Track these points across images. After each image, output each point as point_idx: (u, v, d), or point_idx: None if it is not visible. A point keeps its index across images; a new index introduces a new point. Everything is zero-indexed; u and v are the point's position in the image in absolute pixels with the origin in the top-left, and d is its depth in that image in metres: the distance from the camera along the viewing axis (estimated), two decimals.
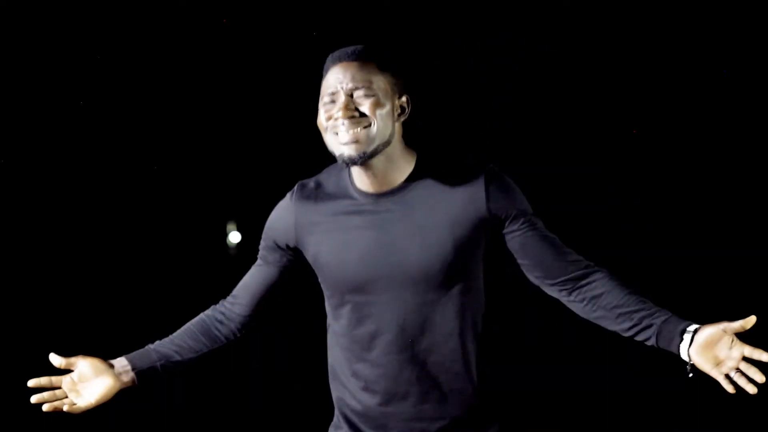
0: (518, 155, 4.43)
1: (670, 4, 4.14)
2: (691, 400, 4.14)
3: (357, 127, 2.36)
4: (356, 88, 2.39)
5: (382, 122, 2.39)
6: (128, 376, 2.50)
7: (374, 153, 2.38)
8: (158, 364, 2.53)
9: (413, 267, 2.43)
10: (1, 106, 4.16)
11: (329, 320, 2.57)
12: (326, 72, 2.43)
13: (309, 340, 3.01)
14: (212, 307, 2.63)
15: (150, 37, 4.22)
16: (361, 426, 2.54)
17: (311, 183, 2.55)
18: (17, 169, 4.20)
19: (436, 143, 2.58)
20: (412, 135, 2.53)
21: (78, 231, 4.26)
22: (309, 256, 2.52)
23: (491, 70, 4.23)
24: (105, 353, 3.82)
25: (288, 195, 2.56)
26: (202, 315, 2.63)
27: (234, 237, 4.53)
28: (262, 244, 2.61)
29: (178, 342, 2.57)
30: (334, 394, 2.59)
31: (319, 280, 2.55)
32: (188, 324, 2.61)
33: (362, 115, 2.37)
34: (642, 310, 2.38)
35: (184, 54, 4.28)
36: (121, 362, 2.51)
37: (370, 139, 2.37)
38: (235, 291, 2.64)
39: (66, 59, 4.19)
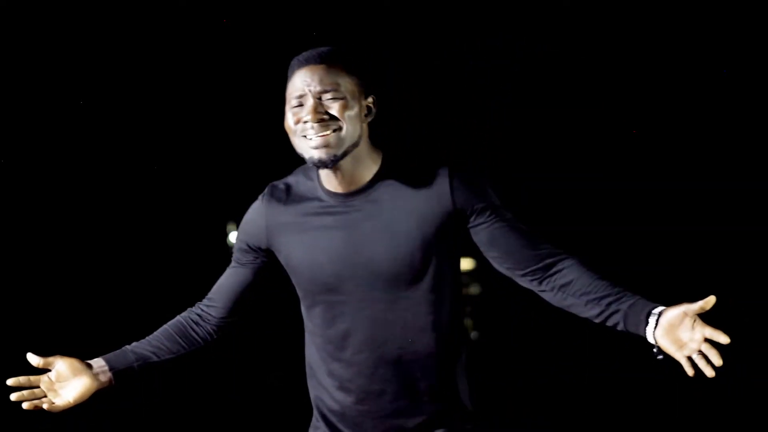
0: (518, 155, 4.43)
1: (670, 4, 4.14)
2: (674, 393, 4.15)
3: (326, 130, 2.38)
4: (324, 91, 2.40)
5: (351, 124, 2.40)
6: (105, 377, 2.51)
7: (344, 155, 2.40)
8: (135, 364, 2.53)
9: (382, 265, 2.44)
10: (1, 106, 4.16)
11: (305, 320, 2.58)
12: (292, 75, 2.44)
13: (288, 338, 3.02)
14: (188, 309, 2.65)
15: (150, 37, 4.22)
16: (339, 425, 2.55)
17: (281, 185, 2.56)
18: (17, 169, 4.19)
19: (401, 141, 2.59)
20: (406, 136, 2.52)
21: (78, 231, 4.26)
22: (281, 257, 2.54)
23: (491, 70, 4.23)
24: (105, 353, 3.84)
25: (260, 197, 2.58)
26: (178, 317, 2.64)
27: (234, 237, 4.53)
28: (236, 246, 2.63)
29: (155, 343, 2.57)
30: (312, 393, 2.60)
31: (293, 281, 2.56)
32: (165, 325, 2.62)
33: (331, 117, 2.38)
34: (610, 295, 2.36)
35: (184, 54, 4.28)
36: (98, 362, 2.52)
37: (339, 141, 2.38)
38: (210, 293, 2.65)
39: (66, 59, 4.19)
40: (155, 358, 2.55)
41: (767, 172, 4.15)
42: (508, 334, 4.46)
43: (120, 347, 2.55)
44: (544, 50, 4.21)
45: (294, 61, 2.46)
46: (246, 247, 2.59)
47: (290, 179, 2.57)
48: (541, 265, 2.46)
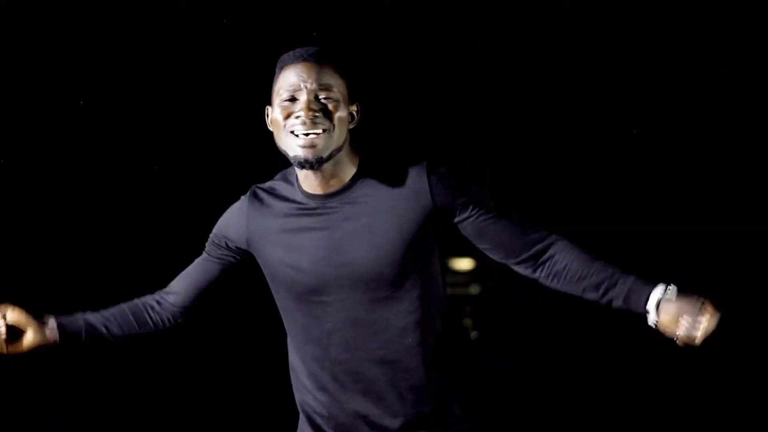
0: (518, 155, 4.43)
1: (670, 4, 4.14)
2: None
3: (318, 128, 2.37)
4: (320, 90, 2.40)
5: (339, 128, 2.41)
6: (53, 334, 2.62)
7: (329, 158, 2.40)
8: (83, 331, 2.63)
9: (362, 265, 2.44)
10: (1, 106, 4.16)
11: (285, 323, 2.58)
12: (283, 69, 2.43)
13: (273, 337, 3.01)
14: (149, 294, 2.69)
15: (150, 37, 4.22)
16: (324, 427, 2.55)
17: (264, 187, 2.57)
18: (17, 169, 4.20)
19: (401, 141, 2.59)
20: (406, 136, 2.52)
21: (78, 232, 4.26)
22: (261, 260, 2.55)
23: (491, 70, 4.23)
24: (105, 352, 3.84)
25: (242, 198, 2.58)
26: (137, 299, 2.71)
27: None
28: (211, 239, 2.65)
29: (108, 316, 2.66)
30: (297, 396, 2.61)
31: (272, 284, 2.55)
32: (123, 304, 2.71)
33: (325, 116, 2.38)
34: (605, 280, 2.41)
35: (184, 54, 4.28)
36: (49, 320, 2.63)
37: (326, 144, 2.38)
38: (172, 282, 2.72)
39: (66, 59, 4.19)
40: (104, 330, 2.65)
41: (767, 172, 4.15)
42: (506, 334, 4.46)
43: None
44: (544, 50, 4.21)
45: (286, 56, 2.45)
46: (223, 244, 2.61)
47: (272, 183, 2.58)
48: (532, 252, 2.48)
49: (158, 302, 2.68)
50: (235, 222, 2.58)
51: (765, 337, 4.17)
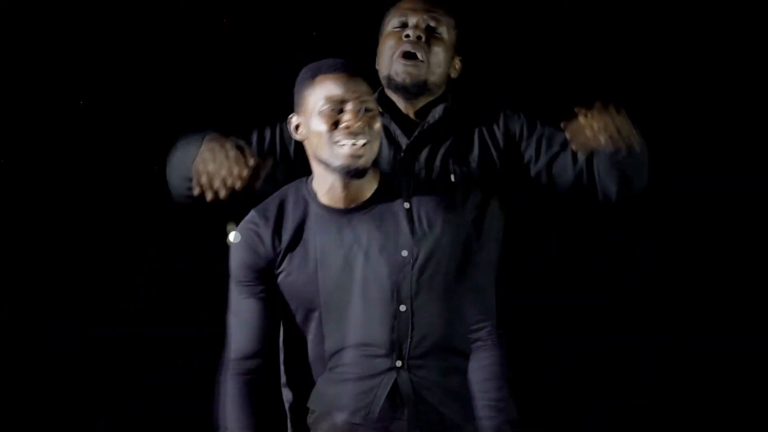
0: None
1: (670, 4, 4.14)
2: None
3: (363, 139, 2.38)
4: (363, 102, 2.40)
5: (377, 140, 2.42)
6: None
7: (368, 170, 2.41)
8: None
9: (381, 280, 2.43)
10: (1, 106, 4.16)
11: (286, 339, 2.55)
12: (318, 80, 2.42)
13: None
14: (240, 381, 2.56)
15: (150, 37, 4.23)
16: None
17: (270, 206, 2.54)
18: (17, 169, 4.20)
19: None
20: None
21: (77, 232, 4.26)
22: (279, 275, 2.52)
23: (491, 70, 4.23)
24: (99, 351, 3.83)
25: (250, 225, 2.54)
26: (244, 393, 2.55)
27: (234, 237, 4.52)
28: (242, 283, 2.54)
29: (252, 420, 2.53)
30: (290, 415, 2.58)
31: (286, 297, 2.53)
32: (243, 406, 2.55)
33: (369, 127, 2.39)
34: (483, 406, 2.50)
35: (184, 54, 4.28)
36: None
37: (370, 155, 2.41)
38: (247, 349, 2.56)
39: (66, 59, 4.19)
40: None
41: (767, 172, 4.15)
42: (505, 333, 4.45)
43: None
44: (544, 50, 4.21)
45: (316, 66, 2.44)
46: (259, 277, 2.53)
47: (276, 200, 2.55)
48: (477, 332, 2.50)
49: (257, 375, 2.55)
50: (257, 250, 2.53)
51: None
